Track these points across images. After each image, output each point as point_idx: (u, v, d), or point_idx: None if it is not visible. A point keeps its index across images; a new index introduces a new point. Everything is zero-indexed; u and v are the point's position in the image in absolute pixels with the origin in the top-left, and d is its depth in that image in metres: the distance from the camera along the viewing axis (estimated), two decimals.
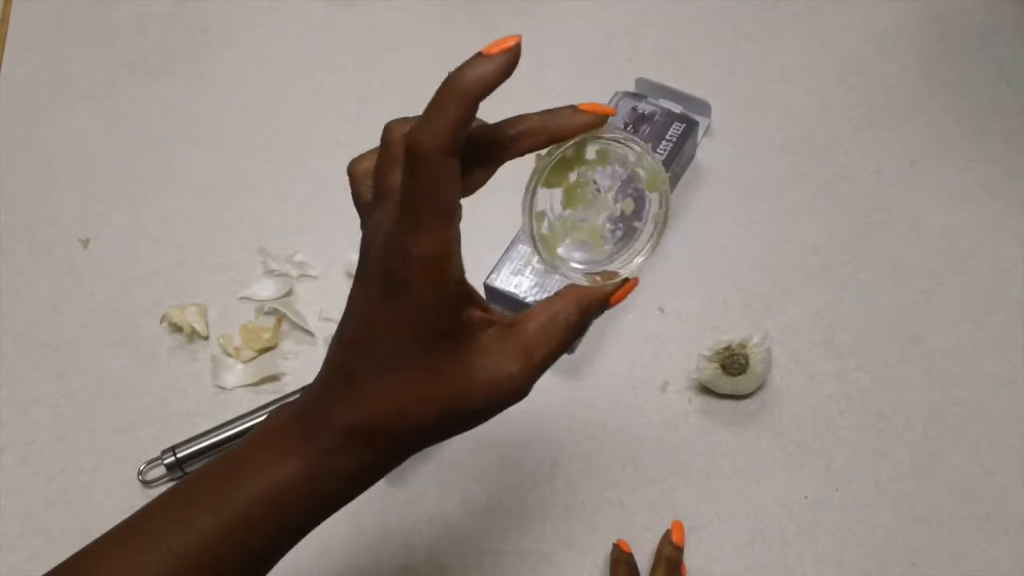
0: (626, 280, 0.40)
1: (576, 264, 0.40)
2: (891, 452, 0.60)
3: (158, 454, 0.61)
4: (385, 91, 0.79)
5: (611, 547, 0.57)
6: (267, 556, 0.39)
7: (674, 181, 0.71)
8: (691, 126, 0.70)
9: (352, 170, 0.39)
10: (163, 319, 0.67)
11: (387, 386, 0.36)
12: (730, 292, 0.67)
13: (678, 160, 0.69)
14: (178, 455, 0.60)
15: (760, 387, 0.63)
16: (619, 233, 0.41)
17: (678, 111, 0.71)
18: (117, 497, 0.60)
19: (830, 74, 0.78)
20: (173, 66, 0.82)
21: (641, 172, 0.39)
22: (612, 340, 0.65)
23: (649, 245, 0.40)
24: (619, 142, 0.39)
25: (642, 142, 0.39)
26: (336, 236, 0.71)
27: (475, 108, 0.35)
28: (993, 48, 0.79)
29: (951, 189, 0.71)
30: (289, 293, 0.69)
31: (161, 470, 0.61)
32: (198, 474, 0.39)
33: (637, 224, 0.40)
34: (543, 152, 0.38)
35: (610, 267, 0.40)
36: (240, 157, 0.76)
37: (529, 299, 0.63)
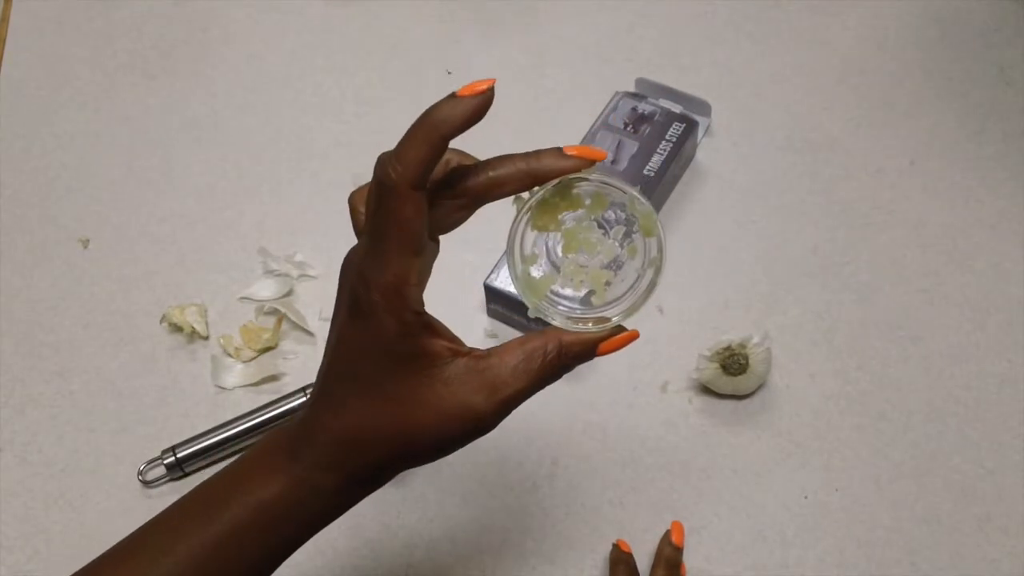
0: (621, 328, 0.39)
1: (564, 307, 0.39)
2: (891, 452, 0.60)
3: (158, 454, 0.61)
4: (385, 91, 0.79)
5: (611, 547, 0.57)
6: (261, 570, 0.40)
7: (674, 181, 0.71)
8: (691, 126, 0.70)
9: (351, 200, 0.40)
10: (163, 319, 0.67)
11: (358, 407, 0.38)
12: (730, 292, 0.67)
13: (678, 160, 0.69)
14: (178, 455, 0.60)
15: (760, 387, 0.63)
16: (617, 278, 0.39)
17: (678, 111, 0.71)
18: (117, 497, 0.60)
19: (830, 74, 0.78)
20: (173, 66, 0.82)
21: (636, 216, 0.38)
22: None
23: (645, 291, 0.38)
24: (606, 184, 0.38)
25: (629, 185, 0.38)
26: (336, 236, 0.71)
27: (443, 146, 0.35)
28: (993, 48, 0.79)
29: (951, 189, 0.71)
30: (289, 293, 0.69)
31: (161, 470, 0.61)
32: (195, 490, 0.40)
33: (632, 270, 0.39)
34: (524, 195, 0.38)
35: (603, 313, 0.39)
36: (240, 157, 0.76)
37: None
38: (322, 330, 0.67)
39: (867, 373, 0.63)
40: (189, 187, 0.74)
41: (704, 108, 0.73)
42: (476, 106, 0.36)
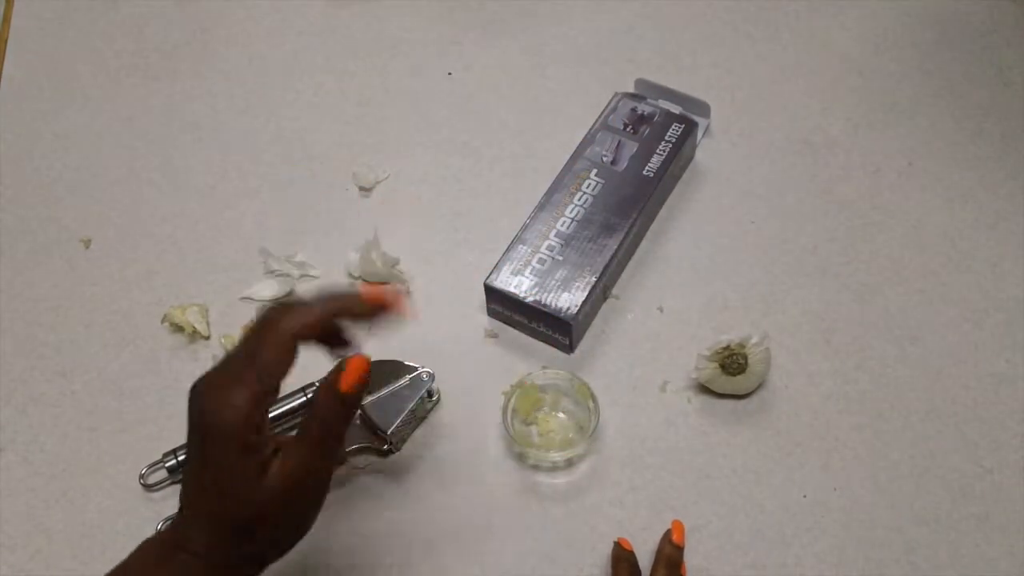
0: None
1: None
2: (889, 452, 0.60)
3: (159, 456, 0.61)
4: (385, 91, 0.79)
5: (612, 545, 0.57)
6: None
7: (673, 181, 0.72)
8: (690, 127, 0.70)
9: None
10: (164, 319, 0.67)
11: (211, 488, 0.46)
12: (730, 292, 0.67)
13: (677, 161, 0.70)
14: (179, 458, 0.60)
15: (759, 387, 0.63)
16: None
17: (677, 112, 0.71)
18: (118, 497, 0.61)
19: (829, 74, 0.79)
20: (174, 66, 0.82)
21: (578, 397, 0.61)
22: (612, 340, 0.65)
23: (591, 434, 0.60)
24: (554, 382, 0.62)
25: (568, 374, 0.61)
26: (336, 236, 0.71)
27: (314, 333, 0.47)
28: (993, 49, 0.79)
29: (950, 190, 0.72)
30: (290, 293, 0.69)
31: (163, 473, 0.61)
32: None
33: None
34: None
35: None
36: (240, 157, 0.76)
37: (529, 299, 0.63)
38: None
39: (866, 373, 0.63)
40: (190, 187, 0.75)
41: (703, 109, 0.73)
42: (337, 313, 0.47)
